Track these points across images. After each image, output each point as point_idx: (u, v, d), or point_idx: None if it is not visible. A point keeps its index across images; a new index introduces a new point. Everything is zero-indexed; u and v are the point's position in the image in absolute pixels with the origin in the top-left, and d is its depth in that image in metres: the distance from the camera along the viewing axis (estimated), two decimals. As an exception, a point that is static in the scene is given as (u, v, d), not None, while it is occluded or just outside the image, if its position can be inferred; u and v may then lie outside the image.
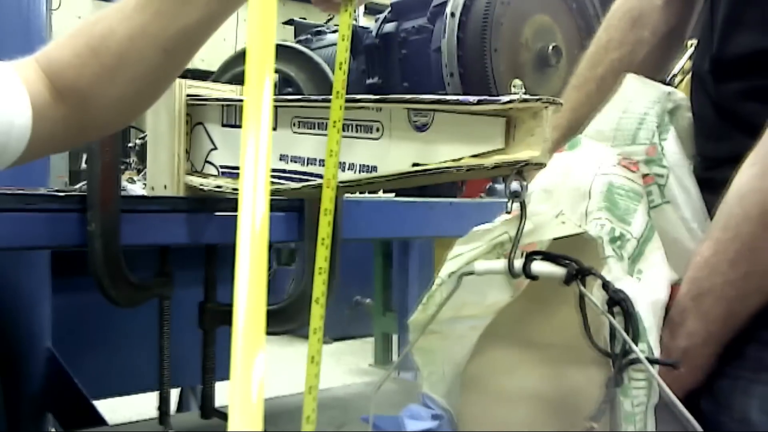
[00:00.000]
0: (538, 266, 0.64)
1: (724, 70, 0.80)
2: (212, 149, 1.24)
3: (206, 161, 1.25)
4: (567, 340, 0.72)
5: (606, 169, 0.75)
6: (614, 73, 0.93)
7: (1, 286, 1.77)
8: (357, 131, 0.87)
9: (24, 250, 1.64)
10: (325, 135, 0.95)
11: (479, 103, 0.70)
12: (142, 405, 2.44)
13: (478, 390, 0.81)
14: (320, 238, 0.76)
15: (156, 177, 1.32)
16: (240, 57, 1.57)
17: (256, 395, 0.32)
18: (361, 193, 1.50)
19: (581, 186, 0.74)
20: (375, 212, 1.51)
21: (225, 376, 1.63)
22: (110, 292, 1.23)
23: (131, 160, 2.45)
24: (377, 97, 0.85)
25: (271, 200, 0.36)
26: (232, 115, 1.19)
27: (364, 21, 4.59)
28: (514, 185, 0.66)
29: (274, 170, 0.99)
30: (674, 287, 0.72)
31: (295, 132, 0.99)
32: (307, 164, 0.98)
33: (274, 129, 1.00)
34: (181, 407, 2.65)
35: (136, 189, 1.52)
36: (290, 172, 0.99)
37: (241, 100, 1.22)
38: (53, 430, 1.93)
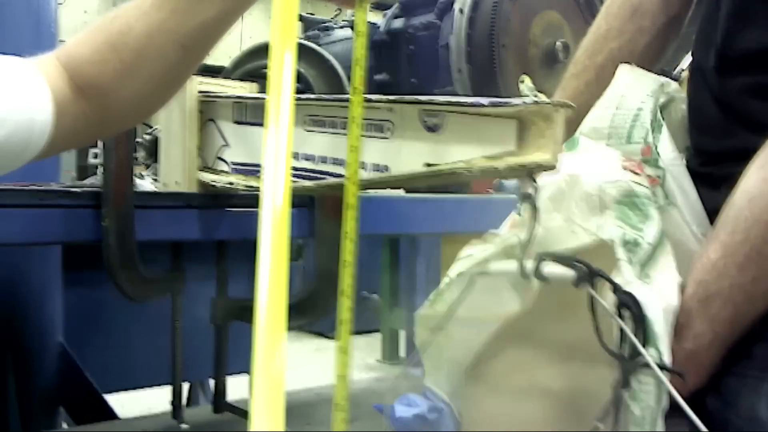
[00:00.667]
0: (549, 268, 0.65)
1: (729, 66, 0.80)
2: (224, 146, 1.25)
3: (218, 158, 1.26)
4: (578, 339, 0.72)
5: (613, 175, 0.75)
6: (613, 62, 0.93)
7: (13, 281, 1.78)
8: (368, 130, 0.88)
9: (39, 245, 1.65)
10: (337, 133, 0.96)
11: (491, 105, 0.70)
12: (151, 400, 2.45)
13: (486, 385, 0.81)
14: (344, 232, 0.77)
15: (168, 173, 1.33)
16: (251, 54, 1.58)
17: (279, 396, 0.33)
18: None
19: (591, 197, 0.73)
20: (383, 208, 1.51)
21: (236, 371, 1.65)
22: (124, 287, 1.25)
23: (139, 156, 2.45)
24: (389, 97, 0.85)
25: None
26: (244, 112, 1.20)
27: (372, 17, 4.58)
28: (526, 187, 0.66)
29: (286, 168, 1.00)
30: None
31: (307, 130, 0.99)
32: (319, 162, 0.98)
33: (287, 126, 1.01)
34: (189, 401, 2.67)
35: (145, 184, 1.53)
36: (301, 169, 1.00)
37: (253, 98, 1.23)
38: (65, 423, 1.94)
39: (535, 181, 0.67)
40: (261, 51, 1.53)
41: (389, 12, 2.20)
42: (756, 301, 0.70)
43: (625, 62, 0.90)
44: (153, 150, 1.62)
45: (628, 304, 0.62)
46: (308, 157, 0.99)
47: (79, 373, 1.84)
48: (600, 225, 0.71)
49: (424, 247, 3.04)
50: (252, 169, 1.17)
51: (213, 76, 1.37)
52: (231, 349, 1.53)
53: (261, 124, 1.16)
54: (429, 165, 0.79)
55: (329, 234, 1.31)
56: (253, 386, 0.32)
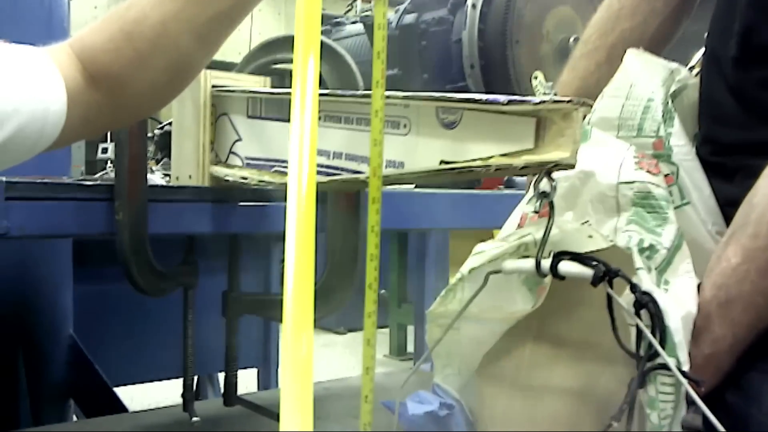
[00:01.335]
0: (566, 266, 0.64)
1: (748, 57, 0.79)
2: (237, 140, 1.25)
3: (231, 152, 1.26)
4: (586, 338, 0.72)
5: (629, 175, 0.74)
6: (625, 43, 0.92)
7: (24, 275, 1.79)
8: (384, 126, 0.88)
9: (52, 237, 1.66)
10: (352, 129, 0.96)
11: (509, 103, 0.70)
12: (160, 393, 2.46)
13: (500, 383, 0.81)
14: (370, 225, 0.78)
15: (181, 167, 1.33)
16: (263, 48, 1.57)
17: (308, 396, 0.33)
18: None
19: (607, 198, 0.73)
20: (393, 203, 1.51)
21: (246, 365, 1.65)
22: (137, 281, 1.25)
23: (149, 150, 2.46)
24: (406, 93, 0.85)
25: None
26: (258, 106, 1.20)
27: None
28: (544, 185, 0.66)
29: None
30: None
31: (322, 125, 0.99)
32: (334, 158, 0.98)
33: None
34: (198, 395, 2.67)
35: (156, 178, 1.53)
36: (317, 165, 1.00)
37: (267, 92, 1.23)
38: (75, 416, 1.95)
39: (552, 179, 0.66)
40: (273, 45, 1.53)
41: (401, 7, 2.19)
42: None
43: (636, 44, 0.88)
44: (163, 144, 1.62)
45: (645, 303, 0.62)
46: (322, 153, 0.99)
47: (90, 367, 1.85)
48: (616, 228, 0.70)
49: (432, 242, 3.04)
50: (265, 164, 1.17)
51: (224, 70, 1.37)
52: (243, 342, 1.54)
53: (275, 119, 1.16)
54: (445, 162, 0.79)
55: (341, 229, 1.31)
56: (282, 387, 0.32)
